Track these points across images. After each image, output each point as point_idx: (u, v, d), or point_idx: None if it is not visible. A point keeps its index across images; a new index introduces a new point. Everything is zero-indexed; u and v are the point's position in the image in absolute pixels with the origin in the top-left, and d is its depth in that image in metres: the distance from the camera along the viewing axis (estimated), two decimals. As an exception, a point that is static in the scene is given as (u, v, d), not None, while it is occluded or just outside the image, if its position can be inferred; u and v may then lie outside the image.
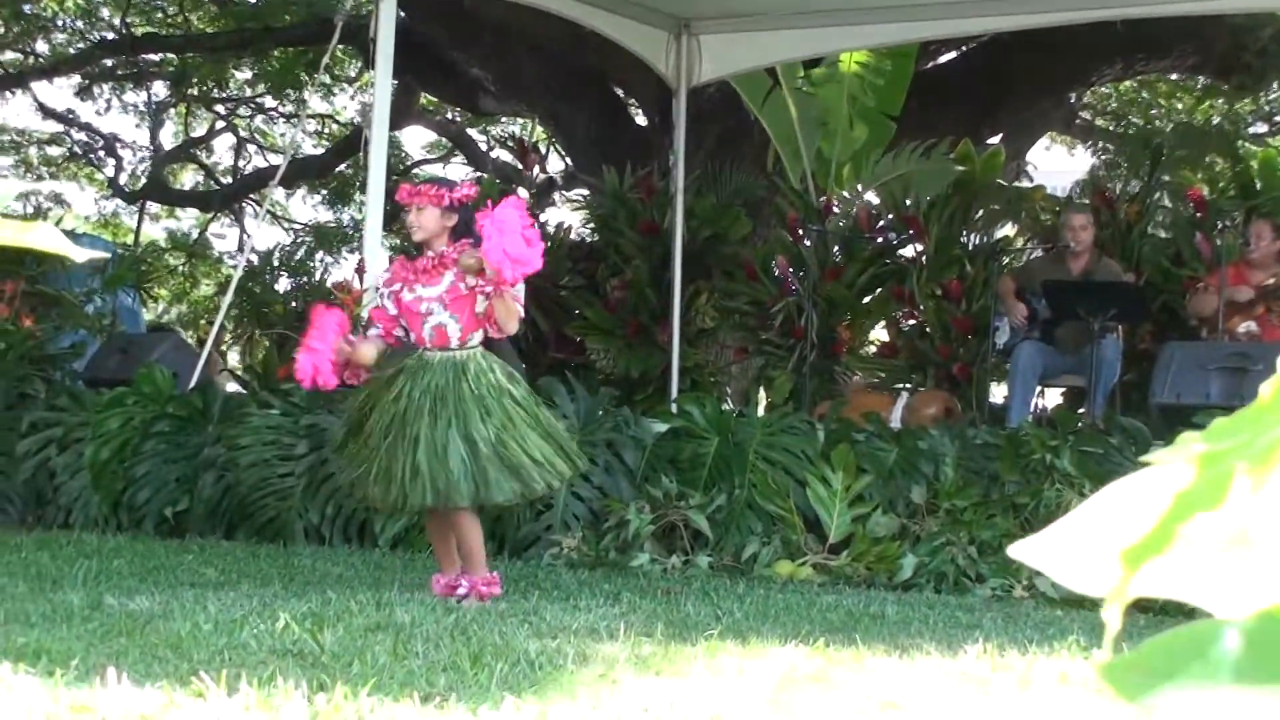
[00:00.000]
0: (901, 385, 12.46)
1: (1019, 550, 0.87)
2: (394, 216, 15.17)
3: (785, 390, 12.04)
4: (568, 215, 18.60)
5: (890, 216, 13.07)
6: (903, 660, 5.21)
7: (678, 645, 5.30)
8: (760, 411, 9.99)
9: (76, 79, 24.18)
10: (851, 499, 8.43)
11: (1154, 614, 6.23)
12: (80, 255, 1.53)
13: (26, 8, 21.17)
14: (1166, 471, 0.81)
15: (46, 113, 26.30)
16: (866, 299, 12.99)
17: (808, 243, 12.69)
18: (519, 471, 6.58)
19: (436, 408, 6.53)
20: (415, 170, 24.99)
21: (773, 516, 8.45)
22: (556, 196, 19.74)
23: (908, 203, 12.79)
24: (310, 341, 6.76)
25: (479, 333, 6.71)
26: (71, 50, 22.86)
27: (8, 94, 25.57)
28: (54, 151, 27.77)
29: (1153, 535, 0.78)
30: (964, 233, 12.73)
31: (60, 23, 22.91)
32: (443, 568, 6.83)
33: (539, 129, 22.98)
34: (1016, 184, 16.07)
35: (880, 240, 12.96)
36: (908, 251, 12.86)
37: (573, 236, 14.41)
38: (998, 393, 12.27)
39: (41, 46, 23.51)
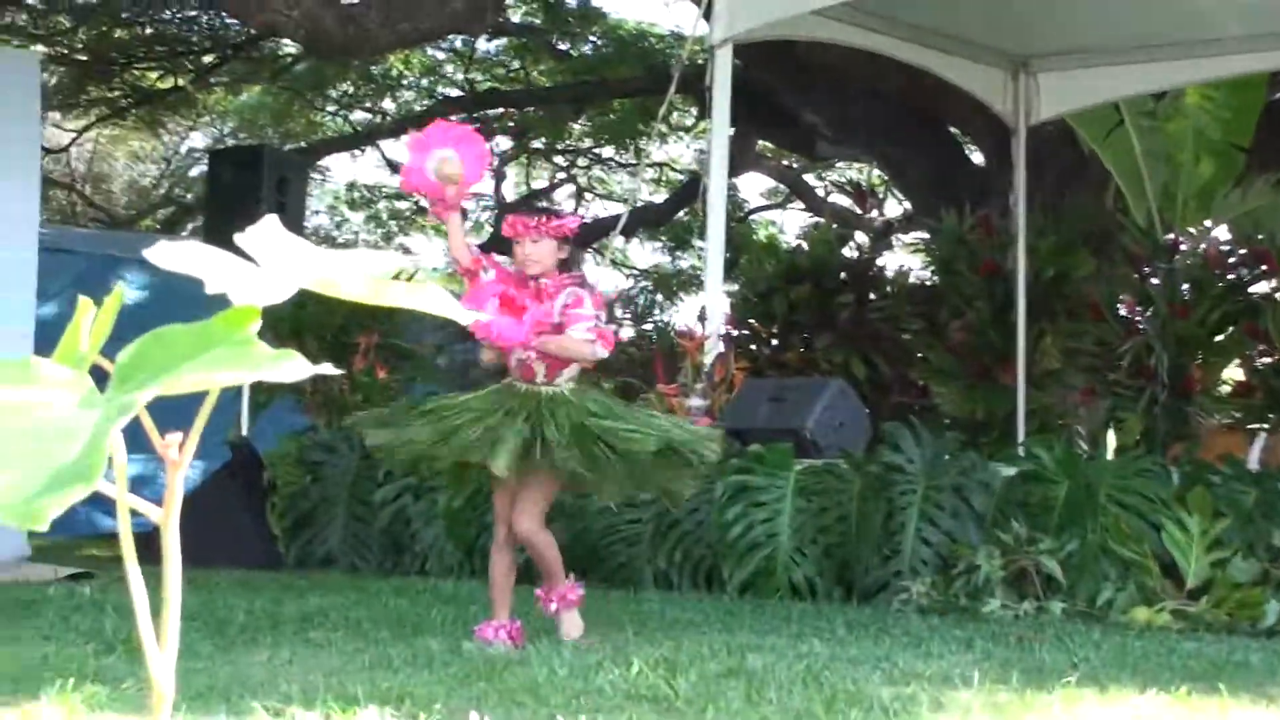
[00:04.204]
0: (1259, 425, 12.07)
1: None
2: (733, 264, 15.26)
3: (1136, 432, 11.77)
4: (907, 258, 18.49)
5: (1242, 252, 12.70)
6: (1270, 710, 5.04)
7: (1034, 693, 5.20)
8: (1110, 454, 9.77)
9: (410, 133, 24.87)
10: (1209, 543, 8.17)
11: None
12: (465, 318, 1.56)
13: (375, 69, 21.85)
14: None
15: (394, 168, 27.11)
16: (1219, 337, 12.62)
17: (1155, 281, 12.40)
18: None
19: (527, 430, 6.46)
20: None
21: (1127, 561, 8.24)
22: (895, 240, 19.65)
23: (1259, 237, 12.41)
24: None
25: (570, 369, 6.62)
26: (417, 107, 23.53)
27: (357, 152, 26.44)
28: (401, 205, 28.62)
29: None
30: (1322, 267, 12.30)
31: (406, 81, 23.60)
32: (496, 612, 6.67)
33: (875, 172, 22.91)
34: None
35: (1232, 276, 12.60)
36: (1261, 287, 12.47)
37: (912, 280, 14.31)
38: (1362, 432, 11.82)
39: (389, 105, 24.25)
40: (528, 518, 6.62)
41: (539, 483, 6.61)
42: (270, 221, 1.59)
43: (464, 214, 6.75)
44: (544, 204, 28.19)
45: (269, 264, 1.53)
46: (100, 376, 1.50)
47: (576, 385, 6.65)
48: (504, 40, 22.06)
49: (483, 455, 6.46)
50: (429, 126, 6.70)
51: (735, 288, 14.83)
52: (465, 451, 6.52)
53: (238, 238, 1.55)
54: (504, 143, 25.87)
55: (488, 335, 6.46)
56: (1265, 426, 11.89)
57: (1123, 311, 12.35)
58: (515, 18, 20.62)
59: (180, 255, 1.50)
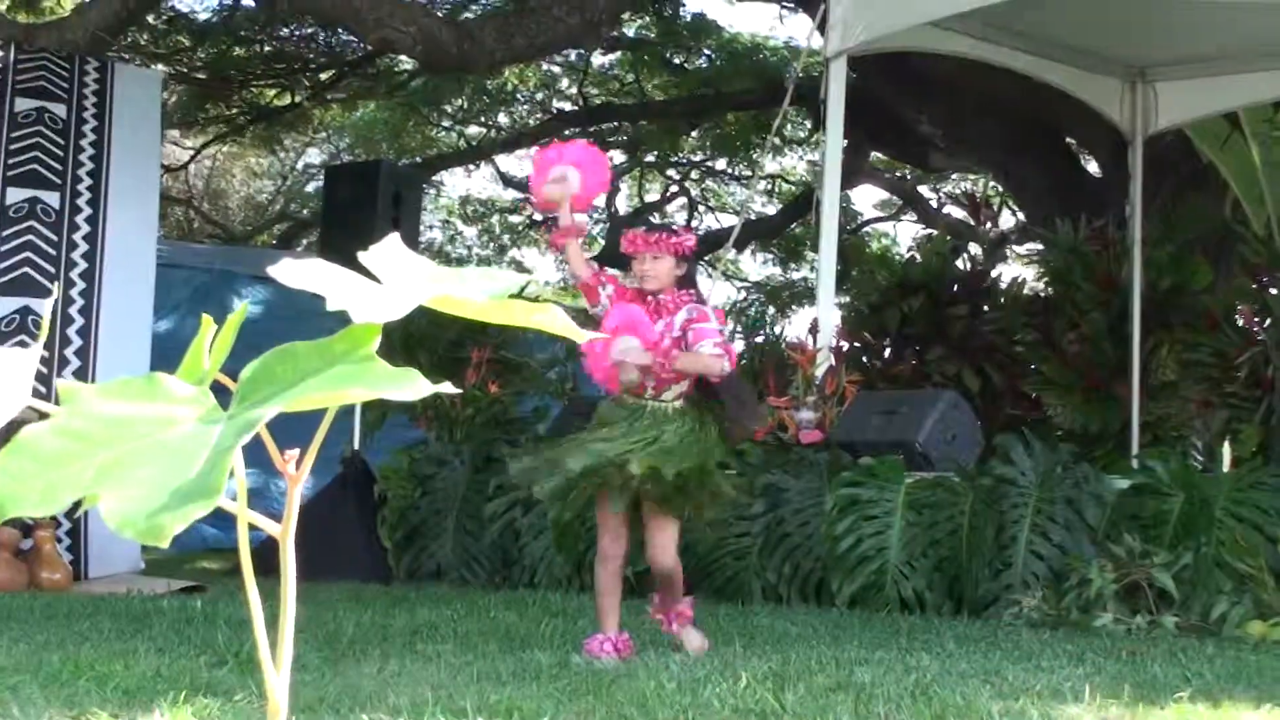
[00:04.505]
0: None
1: None
2: (845, 276, 15.24)
3: (1253, 444, 11.65)
4: (1021, 269, 18.40)
5: (1364, 261, 12.54)
6: (1387, 727, 4.98)
7: (1146, 708, 5.17)
8: (1226, 466, 9.69)
9: (535, 149, 24.99)
10: (1327, 557, 8.09)
11: None
12: (583, 337, 1.59)
13: (489, 84, 21.99)
14: None
15: (507, 182, 27.28)
16: (1338, 348, 12.47)
17: (1273, 290, 12.27)
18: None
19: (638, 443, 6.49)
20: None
21: (1242, 575, 8.16)
22: (1009, 251, 19.55)
23: (1381, 246, 12.26)
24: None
25: (678, 386, 6.61)
26: (531, 121, 23.65)
27: (471, 166, 26.60)
28: (515, 219, 28.76)
29: None
30: None
31: (520, 96, 23.73)
32: (604, 625, 6.67)
33: (989, 183, 22.80)
34: None
35: (1353, 286, 12.45)
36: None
37: (1026, 291, 14.23)
38: None
39: (503, 119, 24.40)
40: (667, 552, 6.72)
41: (668, 511, 6.67)
42: (392, 239, 1.63)
43: (581, 235, 6.81)
44: (662, 219, 28.32)
45: (390, 281, 1.56)
46: (221, 392, 1.54)
47: (685, 405, 6.67)
48: (618, 54, 22.14)
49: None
50: (550, 146, 6.82)
51: (847, 300, 14.82)
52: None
53: (361, 256, 1.59)
54: (617, 156, 25.95)
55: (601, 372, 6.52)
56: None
57: (1240, 322, 12.21)
58: (629, 31, 20.69)
59: (303, 272, 1.54)
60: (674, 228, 6.91)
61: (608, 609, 6.71)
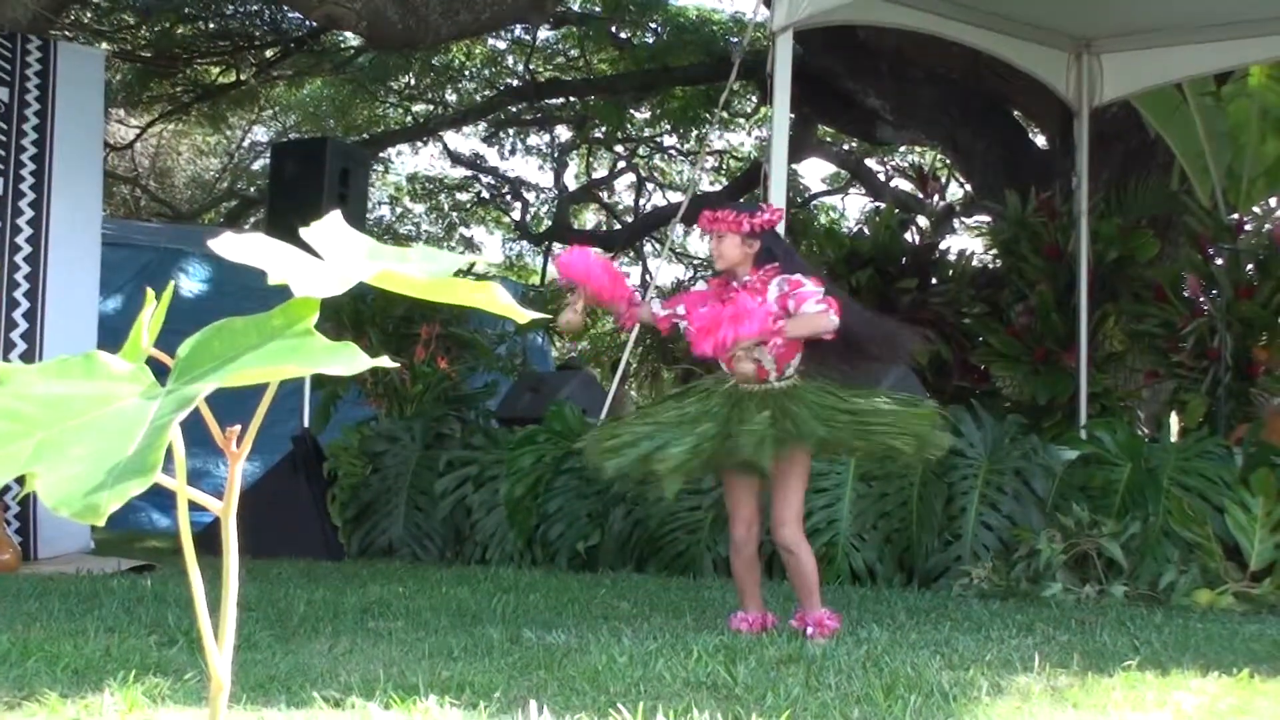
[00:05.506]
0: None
1: None
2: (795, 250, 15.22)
3: (1199, 414, 11.71)
4: (969, 242, 18.45)
5: (1306, 231, 12.61)
6: (1333, 692, 5.01)
7: (1095, 676, 5.20)
8: (1174, 436, 9.73)
9: (483, 126, 24.94)
10: (1273, 525, 8.14)
11: None
12: (524, 316, 1.58)
13: (436, 60, 21.91)
14: None
15: (456, 160, 27.19)
16: (1284, 317, 12.55)
17: (1219, 261, 12.34)
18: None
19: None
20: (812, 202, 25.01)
21: (1190, 544, 8.22)
22: (957, 224, 19.58)
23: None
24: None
25: (795, 360, 6.51)
26: (479, 98, 23.58)
27: (419, 143, 26.50)
28: (463, 197, 28.67)
29: None
30: (1387, 246, 12.20)
31: (468, 72, 23.65)
32: (746, 605, 6.65)
33: (937, 156, 22.83)
34: None
35: (1297, 257, 12.52)
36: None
37: (974, 263, 14.27)
38: None
39: (450, 96, 24.31)
40: (790, 525, 6.53)
41: (793, 477, 6.51)
42: (334, 216, 1.62)
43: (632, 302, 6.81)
44: (609, 197, 28.25)
45: (332, 257, 1.55)
46: (161, 370, 1.53)
47: (800, 378, 6.55)
48: (564, 29, 22.07)
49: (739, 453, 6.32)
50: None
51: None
52: (721, 455, 6.38)
53: (303, 232, 1.58)
54: (564, 133, 25.89)
55: (719, 347, 6.38)
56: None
57: (1186, 293, 12.28)
58: (575, 6, 20.63)
59: (244, 247, 1.53)
60: (743, 206, 6.73)
61: (748, 590, 6.67)
